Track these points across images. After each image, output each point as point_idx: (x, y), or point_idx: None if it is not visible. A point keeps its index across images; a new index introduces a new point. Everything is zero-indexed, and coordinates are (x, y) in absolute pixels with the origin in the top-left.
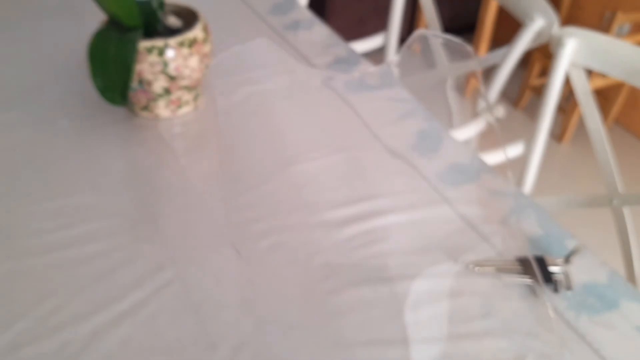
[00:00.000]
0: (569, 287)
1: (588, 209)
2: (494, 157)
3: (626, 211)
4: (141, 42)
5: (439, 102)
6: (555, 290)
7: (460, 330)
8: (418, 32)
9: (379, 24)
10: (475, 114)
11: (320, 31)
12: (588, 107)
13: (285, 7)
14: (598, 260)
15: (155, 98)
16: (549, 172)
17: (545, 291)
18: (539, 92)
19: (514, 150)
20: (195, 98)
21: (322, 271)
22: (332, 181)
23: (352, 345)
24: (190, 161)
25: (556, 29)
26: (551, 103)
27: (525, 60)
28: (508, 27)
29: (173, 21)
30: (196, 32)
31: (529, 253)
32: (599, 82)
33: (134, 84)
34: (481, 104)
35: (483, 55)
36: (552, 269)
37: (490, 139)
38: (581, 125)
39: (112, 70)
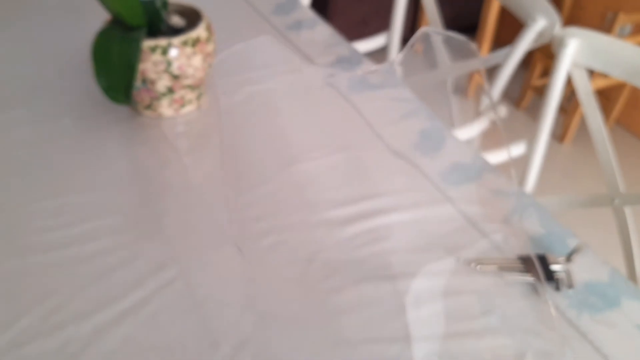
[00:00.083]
0: (570, 286)
1: (589, 208)
2: (496, 157)
3: (627, 211)
4: (145, 41)
5: (442, 102)
6: (557, 288)
7: (461, 328)
8: (422, 30)
9: (381, 24)
10: (477, 114)
11: (322, 31)
12: (590, 107)
13: (288, 7)
14: (599, 259)
15: (158, 97)
16: (550, 172)
17: (547, 289)
18: (541, 92)
19: (516, 150)
20: (199, 97)
21: (324, 269)
22: (334, 180)
23: (353, 342)
24: (192, 160)
25: (558, 29)
26: (553, 103)
27: (527, 61)
28: (510, 27)
29: (176, 20)
30: (199, 31)
31: (531, 251)
32: (601, 83)
33: (138, 83)
34: (483, 104)
35: (485, 56)
36: (554, 267)
37: (492, 138)
38: (583, 125)
39: (115, 69)
